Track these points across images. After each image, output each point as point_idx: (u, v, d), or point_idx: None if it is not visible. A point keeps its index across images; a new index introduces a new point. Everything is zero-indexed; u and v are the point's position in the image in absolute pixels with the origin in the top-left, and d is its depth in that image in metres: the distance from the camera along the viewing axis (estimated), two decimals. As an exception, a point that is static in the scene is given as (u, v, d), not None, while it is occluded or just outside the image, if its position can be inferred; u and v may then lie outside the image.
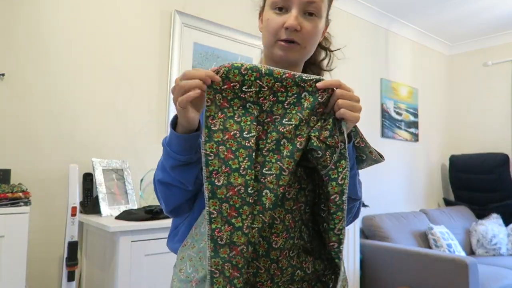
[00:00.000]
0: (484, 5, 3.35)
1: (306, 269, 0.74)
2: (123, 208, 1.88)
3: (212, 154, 0.65)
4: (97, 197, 1.82)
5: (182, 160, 0.71)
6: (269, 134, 0.69)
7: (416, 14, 3.56)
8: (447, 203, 4.09)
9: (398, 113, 3.73)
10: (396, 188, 3.67)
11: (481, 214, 3.79)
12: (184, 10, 2.27)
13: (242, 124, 0.67)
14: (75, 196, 1.73)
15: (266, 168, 0.67)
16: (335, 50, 0.95)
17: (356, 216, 0.88)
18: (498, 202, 3.73)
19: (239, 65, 0.68)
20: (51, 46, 1.83)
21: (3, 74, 1.70)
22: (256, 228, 0.65)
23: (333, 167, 0.69)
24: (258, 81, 0.68)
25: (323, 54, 0.94)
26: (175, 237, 0.85)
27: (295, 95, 0.70)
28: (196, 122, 0.70)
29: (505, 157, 3.72)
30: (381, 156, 0.77)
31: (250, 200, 0.65)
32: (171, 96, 2.54)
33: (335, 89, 0.70)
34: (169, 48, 2.22)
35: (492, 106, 4.08)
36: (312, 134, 0.69)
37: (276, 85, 0.69)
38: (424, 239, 3.18)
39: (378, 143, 3.42)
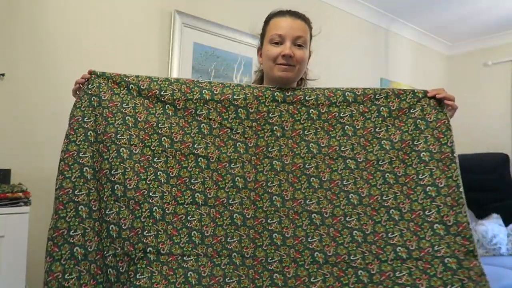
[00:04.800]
0: (484, 5, 3.35)
1: None
2: (123, 208, 1.87)
3: None
4: (97, 197, 1.82)
5: None
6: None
7: (416, 14, 3.56)
8: (447, 203, 4.08)
9: (398, 113, 3.72)
10: (396, 188, 3.66)
11: (481, 214, 3.78)
12: (184, 10, 2.27)
13: None
14: (75, 196, 1.72)
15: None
16: (312, 80, 1.28)
17: None
18: (498, 202, 3.72)
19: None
20: (51, 46, 1.83)
21: (3, 74, 1.70)
22: None
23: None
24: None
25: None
26: None
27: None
28: None
29: (505, 157, 3.72)
30: None
31: None
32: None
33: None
34: (169, 48, 2.22)
35: (492, 106, 4.07)
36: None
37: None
38: (424, 239, 3.17)
39: (378, 143, 3.41)
